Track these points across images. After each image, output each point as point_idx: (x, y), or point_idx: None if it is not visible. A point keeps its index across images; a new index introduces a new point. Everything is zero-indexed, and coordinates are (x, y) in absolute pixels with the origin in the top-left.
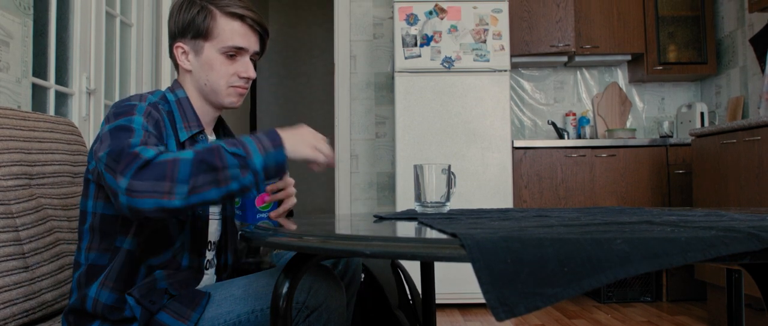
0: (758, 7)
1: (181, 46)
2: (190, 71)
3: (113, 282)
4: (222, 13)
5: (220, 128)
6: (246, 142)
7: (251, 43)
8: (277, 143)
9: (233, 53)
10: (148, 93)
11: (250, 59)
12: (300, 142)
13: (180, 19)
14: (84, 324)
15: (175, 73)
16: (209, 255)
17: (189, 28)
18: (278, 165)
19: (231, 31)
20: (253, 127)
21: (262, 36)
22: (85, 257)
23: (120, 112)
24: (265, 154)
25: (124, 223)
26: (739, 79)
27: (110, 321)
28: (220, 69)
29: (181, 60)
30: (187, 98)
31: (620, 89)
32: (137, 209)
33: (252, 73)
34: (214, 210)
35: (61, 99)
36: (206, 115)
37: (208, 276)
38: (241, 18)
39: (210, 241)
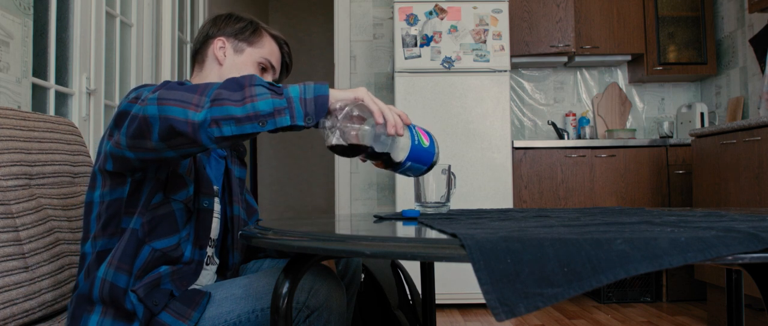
0: (758, 7)
1: (222, 40)
2: (221, 65)
3: (118, 260)
4: (268, 34)
5: None
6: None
7: (278, 69)
8: (321, 82)
9: (265, 67)
10: None
11: None
12: (347, 90)
13: (227, 25)
14: (83, 312)
15: (175, 73)
16: (209, 251)
17: (236, 32)
18: (318, 97)
19: (271, 49)
20: None
21: (286, 72)
22: (92, 246)
23: (142, 86)
24: (304, 86)
25: (130, 203)
26: (739, 79)
27: (112, 308)
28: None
29: (219, 53)
30: None
31: (620, 89)
32: (165, 116)
33: None
34: (216, 209)
35: (61, 99)
36: None
37: (209, 274)
38: (280, 46)
39: (210, 238)
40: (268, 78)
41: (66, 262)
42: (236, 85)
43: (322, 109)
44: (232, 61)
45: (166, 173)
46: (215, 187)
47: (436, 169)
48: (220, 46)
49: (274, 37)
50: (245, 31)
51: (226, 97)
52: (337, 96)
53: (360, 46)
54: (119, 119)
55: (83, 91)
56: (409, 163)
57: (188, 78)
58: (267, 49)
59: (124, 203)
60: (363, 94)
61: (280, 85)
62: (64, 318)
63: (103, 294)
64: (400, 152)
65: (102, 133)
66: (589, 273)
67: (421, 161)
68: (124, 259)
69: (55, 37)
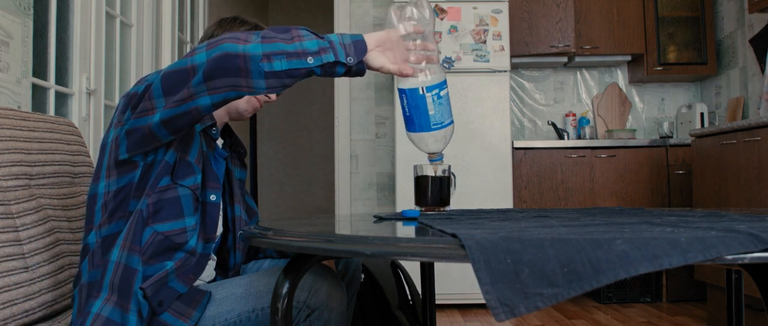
0: (758, 7)
1: None
2: None
3: (130, 242)
4: None
5: (228, 134)
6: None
7: None
8: (356, 33)
9: None
10: None
11: None
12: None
13: (232, 28)
14: (90, 297)
15: None
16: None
17: None
18: (356, 42)
19: None
20: (252, 127)
21: None
22: (96, 235)
23: (145, 77)
24: (342, 35)
25: (139, 187)
26: (738, 79)
27: (116, 296)
28: None
29: None
30: None
31: (620, 90)
32: (217, 54)
33: (273, 96)
34: (213, 199)
35: (61, 99)
36: (219, 118)
37: (208, 269)
38: None
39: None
40: None
41: (66, 262)
42: (282, 28)
43: (361, 51)
44: None
45: (174, 157)
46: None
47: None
48: None
49: None
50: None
51: (275, 36)
52: (372, 38)
53: None
54: (140, 96)
55: (83, 91)
56: (445, 87)
57: None
58: None
59: (134, 187)
60: (395, 32)
61: (320, 34)
62: (65, 318)
63: (114, 279)
64: (440, 72)
65: (102, 133)
66: (590, 274)
67: (448, 100)
68: (135, 241)
69: (55, 37)
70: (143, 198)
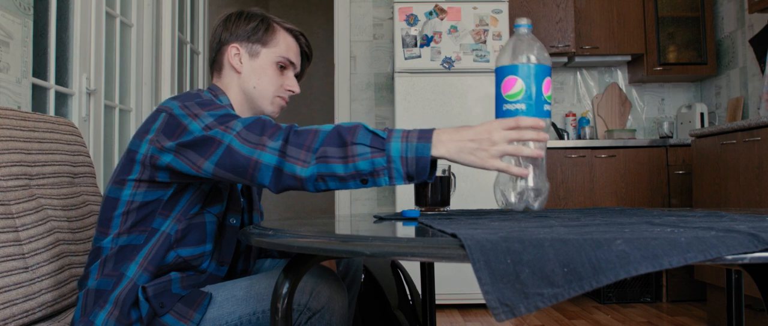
0: (758, 7)
1: (236, 46)
2: (239, 73)
3: (148, 262)
4: (281, 28)
5: None
6: (395, 129)
7: (298, 62)
8: (425, 137)
9: (284, 65)
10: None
11: None
12: (462, 142)
13: (239, 27)
14: (95, 307)
15: (175, 74)
16: None
17: (248, 34)
18: (419, 159)
19: (287, 45)
20: None
21: (307, 60)
22: (112, 242)
23: (205, 103)
24: (406, 143)
25: (167, 206)
26: (738, 79)
27: (118, 309)
28: (272, 76)
29: (234, 61)
30: (231, 105)
31: (620, 90)
32: (283, 171)
33: (297, 88)
34: (233, 222)
35: (61, 99)
36: None
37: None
38: (296, 37)
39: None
40: (289, 74)
41: (66, 262)
42: (339, 140)
43: (423, 172)
44: (250, 66)
45: (210, 185)
46: (242, 202)
47: (435, 169)
48: (234, 53)
49: (289, 31)
50: (257, 30)
51: (332, 155)
52: (445, 152)
53: (360, 47)
54: (192, 143)
55: (83, 91)
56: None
57: (201, 86)
58: (283, 46)
59: (162, 205)
60: (473, 158)
61: (384, 134)
62: (64, 317)
63: (122, 294)
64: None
65: (102, 133)
66: (590, 274)
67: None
68: (154, 262)
69: (55, 37)
70: (172, 222)
